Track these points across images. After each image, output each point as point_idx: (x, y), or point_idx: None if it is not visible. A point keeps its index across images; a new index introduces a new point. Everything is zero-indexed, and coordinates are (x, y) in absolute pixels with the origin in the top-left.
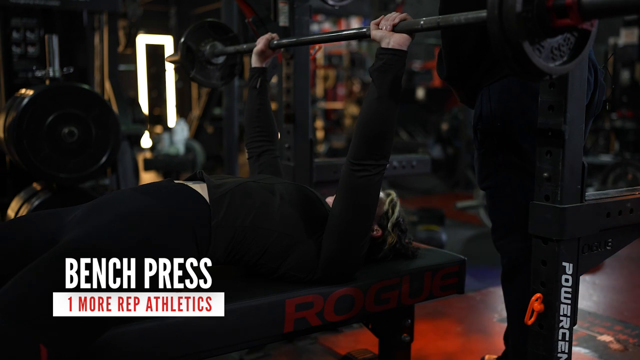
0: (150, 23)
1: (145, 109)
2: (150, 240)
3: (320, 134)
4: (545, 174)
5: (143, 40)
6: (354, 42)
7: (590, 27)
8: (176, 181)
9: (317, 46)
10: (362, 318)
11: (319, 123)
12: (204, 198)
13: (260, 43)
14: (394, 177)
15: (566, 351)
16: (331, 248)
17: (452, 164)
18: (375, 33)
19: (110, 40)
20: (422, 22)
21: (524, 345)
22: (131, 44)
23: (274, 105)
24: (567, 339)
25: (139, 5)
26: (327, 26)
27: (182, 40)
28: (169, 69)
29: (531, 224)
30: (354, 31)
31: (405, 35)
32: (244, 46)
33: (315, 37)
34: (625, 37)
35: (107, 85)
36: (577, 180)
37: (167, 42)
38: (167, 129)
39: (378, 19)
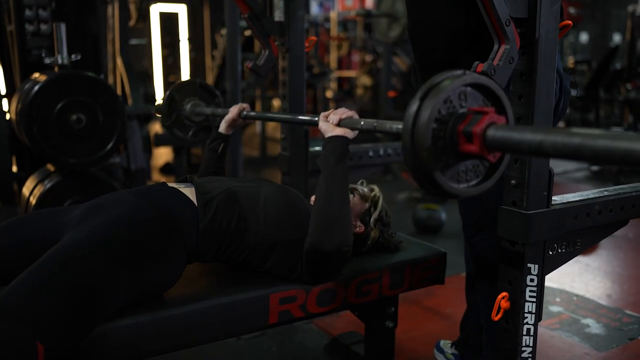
0: None
1: (160, 79)
2: (142, 243)
3: (331, 105)
4: (513, 181)
5: (157, 8)
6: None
7: (493, 159)
8: (169, 184)
9: (312, 38)
10: (345, 308)
11: (330, 94)
12: (192, 202)
13: (232, 112)
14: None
15: (530, 345)
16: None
17: None
18: (321, 125)
19: (121, 14)
20: (362, 123)
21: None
22: (143, 18)
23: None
24: (531, 334)
25: None
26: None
27: (169, 91)
28: (183, 38)
29: (499, 228)
30: (308, 118)
31: (347, 129)
32: (219, 110)
33: (275, 116)
34: None
35: (119, 61)
36: (543, 187)
37: (181, 10)
38: None
39: (327, 112)
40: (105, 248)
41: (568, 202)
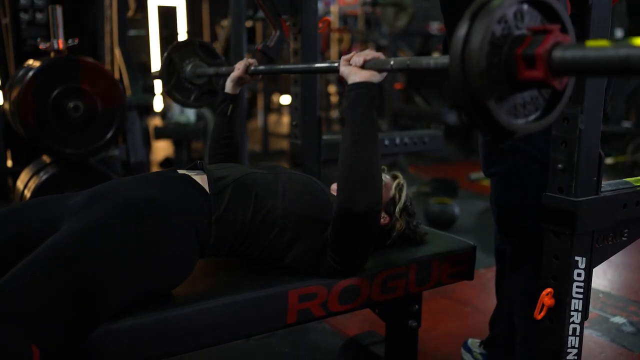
0: None
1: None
2: (148, 234)
3: (334, 99)
4: (560, 165)
5: (155, 2)
6: None
7: (559, 86)
8: (179, 171)
9: (326, 19)
10: (368, 306)
11: (332, 88)
12: (205, 190)
13: (238, 68)
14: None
15: (577, 346)
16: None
17: (468, 131)
18: (343, 69)
19: (119, 5)
20: (392, 62)
21: (532, 337)
22: (141, 9)
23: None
24: (577, 334)
25: None
26: None
27: (167, 52)
28: (182, 31)
29: (543, 217)
30: (327, 65)
31: (373, 72)
32: (223, 69)
33: (289, 67)
34: None
35: (117, 52)
36: (593, 172)
37: (179, 3)
38: None
39: (349, 55)
40: (106, 240)
41: (618, 189)
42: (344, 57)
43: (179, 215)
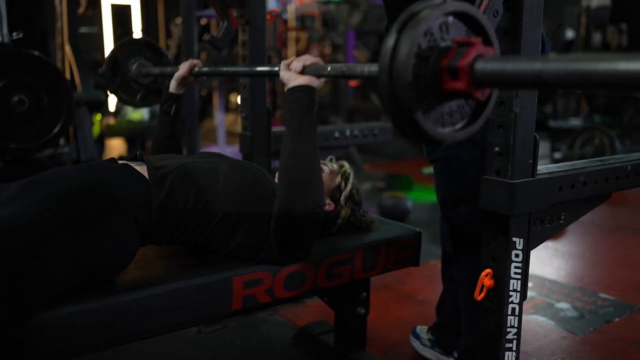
0: None
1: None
2: (84, 219)
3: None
4: (497, 149)
5: (108, 0)
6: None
7: (482, 97)
8: (120, 161)
9: (274, 10)
10: (314, 293)
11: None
12: (145, 179)
13: (182, 68)
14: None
15: (515, 325)
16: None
17: None
18: (283, 74)
19: (69, 1)
20: (329, 69)
21: (475, 319)
22: (92, 5)
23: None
24: (517, 313)
25: None
26: None
27: (111, 50)
28: (136, 30)
29: (482, 199)
30: (268, 69)
31: (312, 77)
32: (168, 69)
33: (232, 69)
34: None
35: (67, 48)
36: (528, 155)
37: (133, 2)
38: None
39: (289, 60)
40: (39, 224)
41: (553, 172)
42: (283, 62)
43: (117, 203)
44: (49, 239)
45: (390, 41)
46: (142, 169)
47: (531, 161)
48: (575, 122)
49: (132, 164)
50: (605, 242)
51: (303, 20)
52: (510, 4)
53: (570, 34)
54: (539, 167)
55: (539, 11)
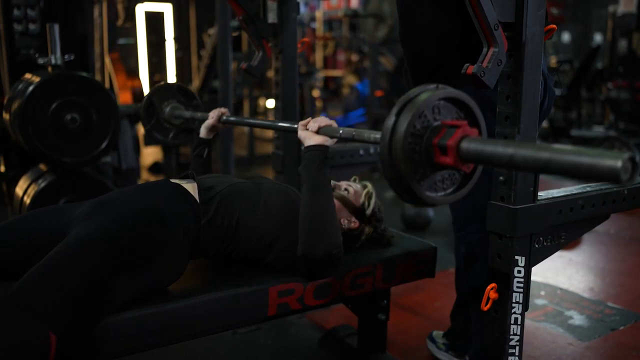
0: None
1: (145, 78)
2: (145, 239)
3: (318, 104)
4: (501, 178)
5: (142, 8)
6: (354, 3)
7: (467, 170)
8: (172, 180)
9: (304, 40)
10: (340, 301)
11: (317, 93)
12: (195, 199)
13: (212, 117)
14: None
15: (518, 333)
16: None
17: None
18: (300, 133)
19: (109, 13)
20: (340, 131)
21: (483, 326)
22: (130, 18)
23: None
24: (519, 323)
25: None
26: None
27: (147, 94)
28: (169, 37)
29: (488, 222)
30: (287, 125)
31: (326, 137)
32: (199, 114)
33: (257, 122)
34: (624, 5)
35: (107, 60)
36: (530, 183)
37: (167, 9)
38: None
39: (306, 121)
40: (109, 244)
41: (553, 198)
42: (301, 123)
43: (174, 222)
44: (118, 257)
45: (389, 122)
46: (192, 187)
47: (532, 189)
48: (599, 129)
49: (183, 183)
50: (619, 252)
51: (330, 24)
52: (512, 53)
53: (598, 38)
54: (540, 193)
55: (539, 58)
